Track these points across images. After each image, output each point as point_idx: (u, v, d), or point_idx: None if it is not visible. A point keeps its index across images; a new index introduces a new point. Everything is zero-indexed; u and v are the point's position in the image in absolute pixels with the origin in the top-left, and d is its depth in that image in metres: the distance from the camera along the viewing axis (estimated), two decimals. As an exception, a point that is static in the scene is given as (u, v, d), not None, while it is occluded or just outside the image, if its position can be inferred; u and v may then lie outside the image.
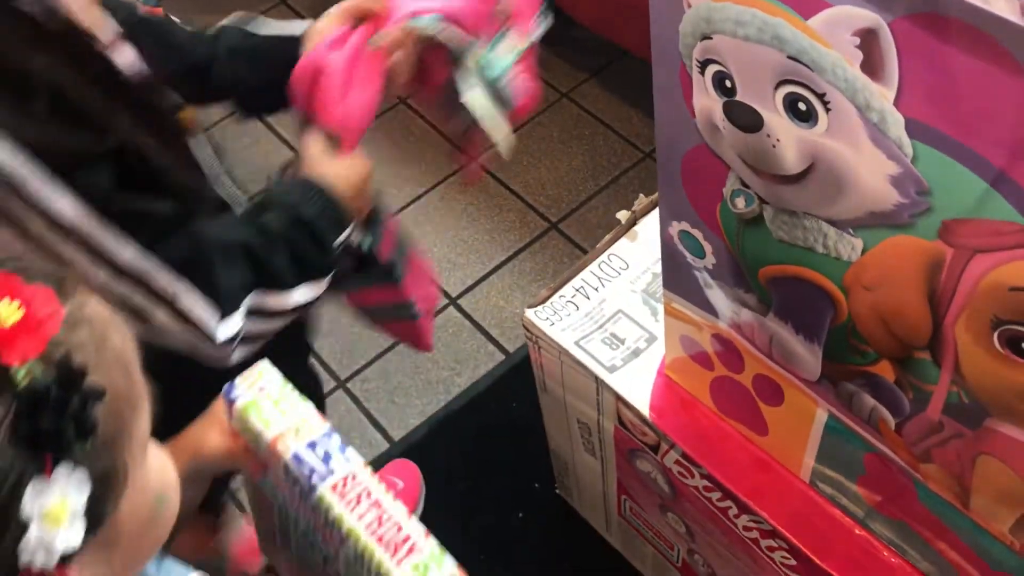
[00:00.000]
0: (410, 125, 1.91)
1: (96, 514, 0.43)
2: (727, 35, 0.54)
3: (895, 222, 0.54)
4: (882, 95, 0.49)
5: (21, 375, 0.40)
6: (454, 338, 1.63)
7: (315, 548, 0.70)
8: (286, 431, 0.66)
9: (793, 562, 0.87)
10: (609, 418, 1.02)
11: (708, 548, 1.04)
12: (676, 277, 0.80)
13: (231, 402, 0.68)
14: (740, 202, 0.65)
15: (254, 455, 0.69)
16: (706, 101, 0.60)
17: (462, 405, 1.54)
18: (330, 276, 0.81)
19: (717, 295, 0.76)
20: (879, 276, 0.58)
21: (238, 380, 0.68)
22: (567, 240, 1.73)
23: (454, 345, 1.62)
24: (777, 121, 0.56)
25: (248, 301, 0.74)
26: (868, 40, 0.47)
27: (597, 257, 1.06)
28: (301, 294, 0.77)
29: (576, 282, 1.06)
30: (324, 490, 0.63)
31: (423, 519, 0.62)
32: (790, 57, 0.51)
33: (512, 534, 1.41)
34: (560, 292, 1.05)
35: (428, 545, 0.61)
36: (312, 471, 0.64)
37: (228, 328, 0.72)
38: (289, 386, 0.68)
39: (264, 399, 0.67)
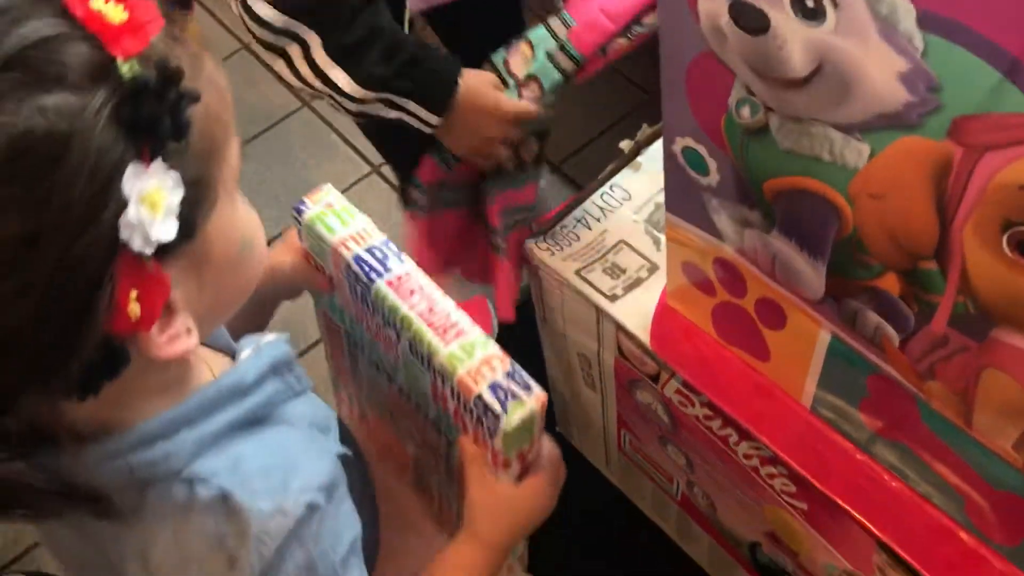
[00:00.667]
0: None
1: (189, 221, 0.47)
2: (734, -71, 0.53)
3: (903, 123, 0.53)
4: (893, -15, 0.47)
5: (125, 68, 0.44)
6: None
7: (381, 369, 0.75)
8: (348, 238, 0.72)
9: (793, 488, 0.87)
10: (609, 349, 1.02)
11: (707, 479, 1.03)
12: (679, 198, 0.79)
13: (299, 216, 0.74)
14: (746, 112, 0.63)
15: (321, 270, 0.77)
16: (711, 4, 0.58)
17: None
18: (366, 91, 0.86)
19: (720, 216, 0.75)
20: (886, 183, 0.57)
21: (305, 198, 0.75)
22: (569, 181, 1.72)
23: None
24: (784, 21, 0.54)
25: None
26: (880, -76, 0.45)
27: (599, 187, 1.05)
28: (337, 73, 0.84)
29: (578, 212, 1.05)
30: (380, 284, 0.70)
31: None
32: (799, -52, 0.50)
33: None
34: (562, 222, 1.03)
35: (475, 331, 0.66)
36: (371, 269, 0.70)
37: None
38: (350, 204, 0.75)
39: (328, 213, 0.74)
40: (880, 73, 0.52)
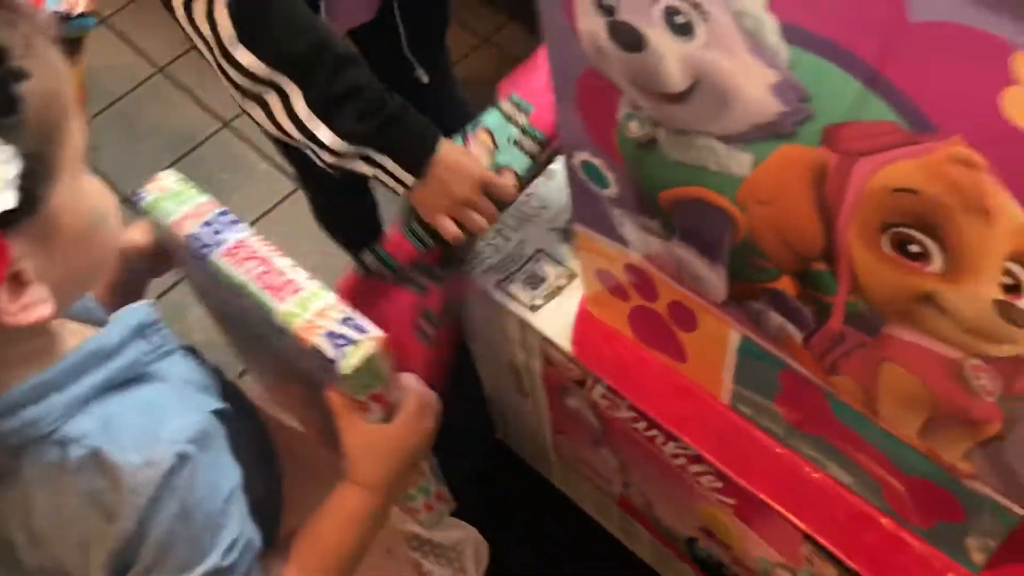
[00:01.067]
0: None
1: (30, 194, 0.49)
2: (601, -50, 0.53)
3: (779, 132, 0.54)
4: (755, 0, 0.48)
5: None
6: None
7: (257, 338, 0.76)
8: (183, 217, 0.72)
9: (720, 484, 0.88)
10: (536, 357, 1.02)
11: (642, 479, 1.04)
12: (585, 209, 0.79)
13: (137, 206, 0.75)
14: (634, 126, 0.64)
15: (173, 255, 0.77)
16: (589, 23, 0.59)
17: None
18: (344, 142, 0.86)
19: (624, 225, 0.76)
20: (770, 189, 0.58)
21: (145, 186, 0.75)
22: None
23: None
24: (658, 38, 0.55)
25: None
26: (734, -57, 0.46)
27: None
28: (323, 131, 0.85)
29: (495, 224, 1.04)
30: (213, 258, 0.70)
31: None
32: (663, -32, 0.50)
33: (457, 482, 1.41)
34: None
35: (311, 284, 0.67)
36: (203, 244, 0.70)
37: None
38: (188, 184, 0.75)
39: (164, 197, 0.74)
40: (752, 85, 0.52)
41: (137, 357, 0.61)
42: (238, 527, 0.62)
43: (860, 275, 0.57)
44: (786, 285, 0.64)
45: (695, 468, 0.90)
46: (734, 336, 0.76)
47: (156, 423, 0.59)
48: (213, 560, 0.60)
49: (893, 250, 0.54)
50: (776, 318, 0.68)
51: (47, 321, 0.54)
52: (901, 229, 0.52)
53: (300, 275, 0.68)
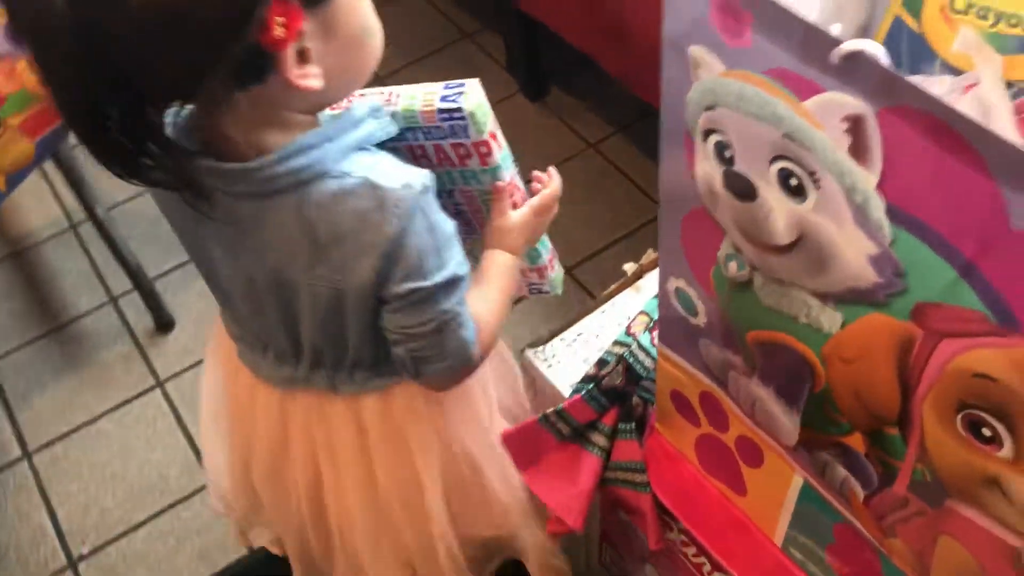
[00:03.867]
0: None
1: None
2: (729, 108, 0.57)
3: (872, 300, 0.56)
4: (866, 179, 0.51)
5: None
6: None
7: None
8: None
9: (760, 623, 0.88)
10: (597, 464, 1.04)
11: (681, 602, 1.05)
12: (671, 332, 0.83)
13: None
14: (733, 266, 0.67)
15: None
16: (707, 168, 0.63)
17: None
18: None
19: (708, 354, 0.79)
20: (855, 350, 0.61)
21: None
22: (579, 285, 1.76)
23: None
24: (770, 193, 0.59)
25: None
26: (856, 126, 0.50)
27: (600, 305, 1.09)
28: None
29: (578, 327, 1.08)
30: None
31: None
32: (785, 135, 0.54)
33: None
34: (561, 336, 1.07)
35: (411, 88, 0.88)
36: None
37: None
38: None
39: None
40: (853, 253, 0.56)
41: (373, 131, 0.82)
42: (461, 252, 0.84)
43: (930, 447, 0.59)
44: (856, 442, 0.66)
45: (738, 602, 0.90)
46: (797, 480, 0.78)
47: (403, 166, 0.80)
48: (452, 268, 0.82)
49: (965, 430, 0.56)
50: (841, 471, 0.70)
51: (316, 94, 0.74)
52: (976, 412, 0.54)
53: (396, 88, 0.88)
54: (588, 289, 1.75)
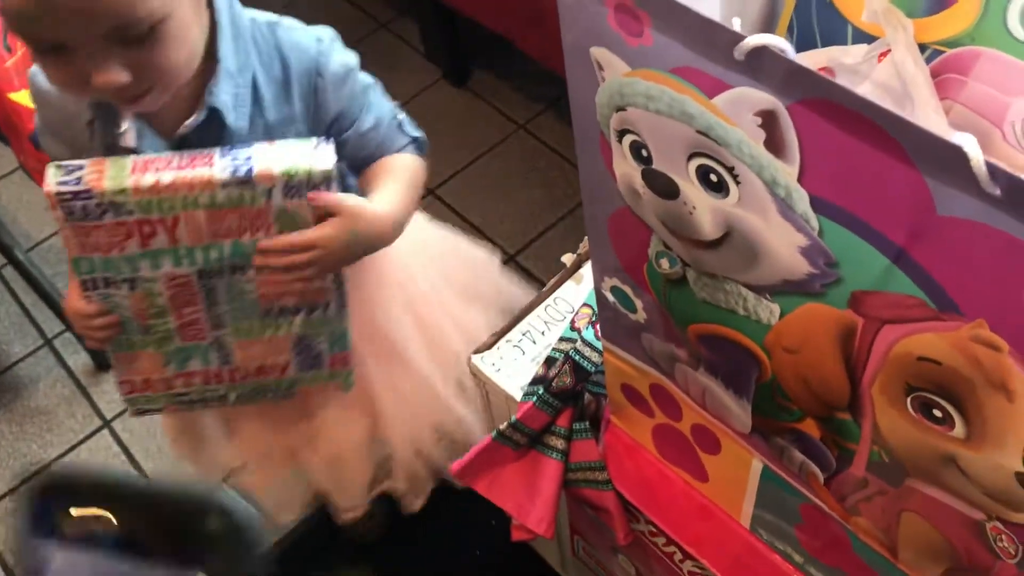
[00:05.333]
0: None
1: None
2: (640, 108, 0.55)
3: (808, 290, 0.55)
4: (786, 172, 0.49)
5: None
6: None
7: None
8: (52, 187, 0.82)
9: (737, 607, 0.87)
10: (557, 462, 1.02)
11: (658, 590, 1.04)
12: (613, 328, 0.81)
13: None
14: (664, 263, 0.65)
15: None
16: (626, 168, 0.61)
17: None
18: None
19: (652, 348, 0.77)
20: (797, 340, 0.59)
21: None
22: (525, 272, 1.73)
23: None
24: (692, 190, 0.56)
25: None
26: (769, 121, 0.48)
27: (542, 301, 1.06)
28: None
29: (522, 326, 1.06)
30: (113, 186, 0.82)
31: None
32: (699, 131, 0.52)
33: (468, 571, 1.41)
34: (506, 337, 1.05)
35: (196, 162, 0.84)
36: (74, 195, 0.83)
37: None
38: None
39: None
40: (783, 245, 0.54)
41: None
42: None
43: (884, 429, 0.58)
44: (810, 427, 0.65)
45: (712, 587, 0.89)
46: (756, 464, 0.76)
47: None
48: None
49: (917, 412, 0.54)
50: (798, 456, 0.69)
51: None
52: (925, 394, 0.53)
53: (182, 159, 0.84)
54: (534, 275, 1.72)
